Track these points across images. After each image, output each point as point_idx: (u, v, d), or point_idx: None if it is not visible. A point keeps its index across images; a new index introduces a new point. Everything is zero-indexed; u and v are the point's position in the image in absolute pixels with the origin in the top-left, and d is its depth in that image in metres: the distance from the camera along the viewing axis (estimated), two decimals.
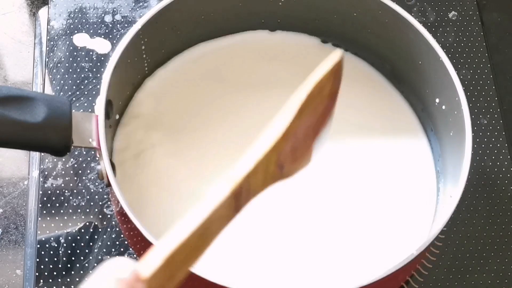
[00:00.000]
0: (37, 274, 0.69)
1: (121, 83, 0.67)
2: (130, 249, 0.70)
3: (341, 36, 0.76)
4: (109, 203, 0.72)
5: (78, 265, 0.69)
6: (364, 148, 0.72)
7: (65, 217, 0.71)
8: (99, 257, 0.69)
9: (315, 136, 0.58)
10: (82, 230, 0.70)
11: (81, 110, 0.76)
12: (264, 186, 0.52)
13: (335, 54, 0.57)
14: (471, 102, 0.77)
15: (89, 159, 0.74)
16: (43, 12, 0.83)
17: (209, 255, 0.66)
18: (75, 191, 0.72)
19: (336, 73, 0.57)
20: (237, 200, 0.48)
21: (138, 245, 0.65)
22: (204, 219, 0.46)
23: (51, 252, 0.69)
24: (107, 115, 0.64)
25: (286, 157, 0.53)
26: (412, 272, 0.70)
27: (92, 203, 0.72)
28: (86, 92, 0.77)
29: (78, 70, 0.78)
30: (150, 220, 0.66)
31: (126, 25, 0.81)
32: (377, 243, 0.68)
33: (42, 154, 0.74)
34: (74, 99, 0.76)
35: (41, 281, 0.68)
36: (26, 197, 0.74)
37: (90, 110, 0.76)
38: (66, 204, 0.72)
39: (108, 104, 0.64)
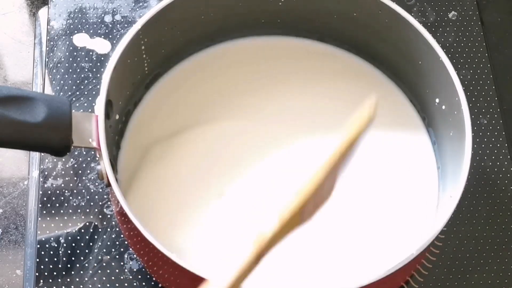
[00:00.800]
0: (37, 274, 0.69)
1: (121, 83, 0.67)
2: (130, 249, 0.70)
3: (341, 36, 0.76)
4: (109, 203, 0.72)
5: (78, 265, 0.69)
6: (365, 146, 0.72)
7: (65, 217, 0.71)
8: (99, 257, 0.69)
9: (338, 177, 0.57)
10: (82, 230, 0.70)
11: (81, 110, 0.76)
12: (283, 237, 0.53)
13: (370, 103, 0.55)
14: (471, 102, 0.77)
15: (89, 159, 0.74)
16: (43, 12, 0.83)
17: (209, 254, 0.66)
18: (75, 191, 0.72)
19: (372, 118, 0.56)
20: (259, 257, 0.51)
21: (138, 245, 0.65)
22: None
23: (51, 252, 0.69)
24: (107, 115, 0.64)
25: (309, 208, 0.54)
26: (412, 272, 0.70)
27: (92, 203, 0.72)
28: (86, 92, 0.77)
29: (78, 70, 0.78)
30: (150, 220, 0.66)
31: (126, 25, 0.81)
32: (377, 243, 0.68)
33: (42, 154, 0.74)
34: (74, 99, 0.76)
35: (41, 281, 0.68)
36: (26, 197, 0.74)
37: (90, 110, 0.76)
38: (66, 204, 0.72)
39: (108, 104, 0.64)
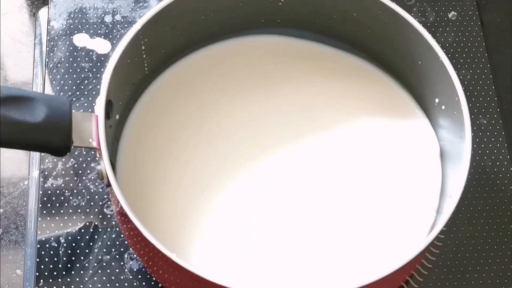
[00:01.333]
0: (37, 274, 0.69)
1: (121, 83, 0.67)
2: (130, 249, 0.70)
3: (341, 36, 0.76)
4: (109, 203, 0.72)
5: (78, 265, 0.69)
6: (365, 145, 0.72)
7: (65, 217, 0.71)
8: (99, 257, 0.69)
9: None
10: (82, 230, 0.70)
11: (81, 110, 0.76)
12: None
13: None
14: (471, 102, 0.77)
15: (89, 159, 0.74)
16: (43, 12, 0.83)
17: (209, 254, 0.66)
18: (75, 191, 0.72)
19: None
20: None
21: (138, 245, 0.65)
22: None
23: (51, 252, 0.69)
24: (107, 115, 0.64)
25: None
26: (412, 272, 0.70)
27: (92, 203, 0.72)
28: (86, 92, 0.77)
29: (78, 70, 0.78)
30: (150, 220, 0.66)
31: (126, 25, 0.81)
32: (377, 243, 0.68)
33: (42, 154, 0.74)
34: (74, 99, 0.76)
35: (41, 281, 0.68)
36: (26, 197, 0.74)
37: (90, 110, 0.76)
38: (66, 204, 0.72)
39: (108, 104, 0.64)
